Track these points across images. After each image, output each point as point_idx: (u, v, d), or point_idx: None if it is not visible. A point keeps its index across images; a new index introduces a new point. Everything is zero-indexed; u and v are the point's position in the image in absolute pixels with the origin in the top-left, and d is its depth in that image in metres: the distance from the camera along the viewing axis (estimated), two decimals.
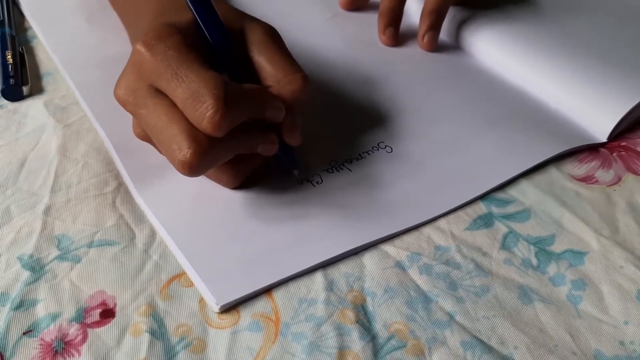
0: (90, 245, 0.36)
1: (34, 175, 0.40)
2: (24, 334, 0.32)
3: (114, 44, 0.48)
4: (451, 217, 0.38)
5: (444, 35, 0.52)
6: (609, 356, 0.31)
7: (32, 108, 0.45)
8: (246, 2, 0.55)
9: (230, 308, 0.33)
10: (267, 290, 0.34)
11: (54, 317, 0.32)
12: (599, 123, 0.43)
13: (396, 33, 0.51)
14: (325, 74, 0.48)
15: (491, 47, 0.49)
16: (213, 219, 0.37)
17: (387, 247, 0.36)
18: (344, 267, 0.35)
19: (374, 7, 0.54)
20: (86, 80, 0.46)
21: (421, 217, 0.38)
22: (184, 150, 0.32)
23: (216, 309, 0.33)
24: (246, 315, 0.33)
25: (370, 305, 0.33)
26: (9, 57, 0.48)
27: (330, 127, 0.43)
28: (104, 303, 0.33)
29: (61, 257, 0.35)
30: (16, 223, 0.37)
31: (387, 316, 0.33)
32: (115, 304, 0.33)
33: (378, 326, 0.32)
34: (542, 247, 0.36)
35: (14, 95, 0.46)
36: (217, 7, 0.36)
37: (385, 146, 0.42)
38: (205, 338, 0.32)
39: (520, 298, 0.34)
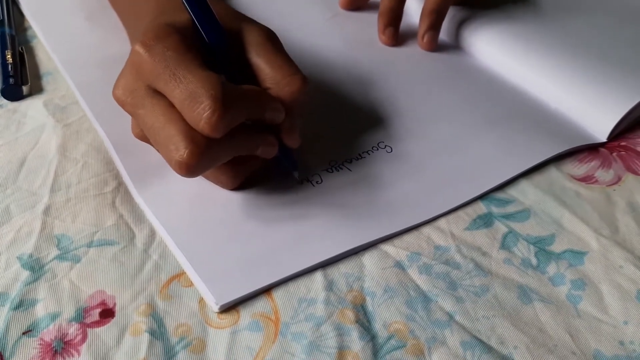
0: (89, 245, 0.36)
1: (34, 175, 0.40)
2: (23, 333, 0.32)
3: (114, 44, 0.48)
4: (451, 217, 0.38)
5: (443, 35, 0.52)
6: (608, 356, 0.31)
7: (32, 108, 0.45)
8: (246, 2, 0.55)
9: (230, 308, 0.33)
10: (267, 290, 0.34)
11: (54, 316, 0.32)
12: (599, 123, 0.43)
13: (396, 33, 0.51)
14: (325, 74, 0.48)
15: (491, 47, 0.49)
16: (213, 219, 0.37)
17: (387, 247, 0.36)
18: (343, 267, 0.35)
19: (373, 7, 0.54)
20: (86, 80, 0.46)
21: (421, 217, 0.38)
22: (180, 150, 0.32)
23: (216, 308, 0.33)
24: (246, 315, 0.33)
25: (369, 305, 0.33)
26: (9, 56, 0.48)
27: (330, 127, 0.43)
28: (103, 303, 0.33)
29: (61, 257, 0.35)
30: (16, 223, 0.37)
31: (386, 316, 0.33)
32: (114, 304, 0.33)
33: (378, 326, 0.32)
34: (541, 247, 0.36)
35: (14, 94, 0.46)
36: (214, 7, 0.36)
37: (385, 146, 0.42)
38: (204, 338, 0.32)
39: (520, 298, 0.34)
